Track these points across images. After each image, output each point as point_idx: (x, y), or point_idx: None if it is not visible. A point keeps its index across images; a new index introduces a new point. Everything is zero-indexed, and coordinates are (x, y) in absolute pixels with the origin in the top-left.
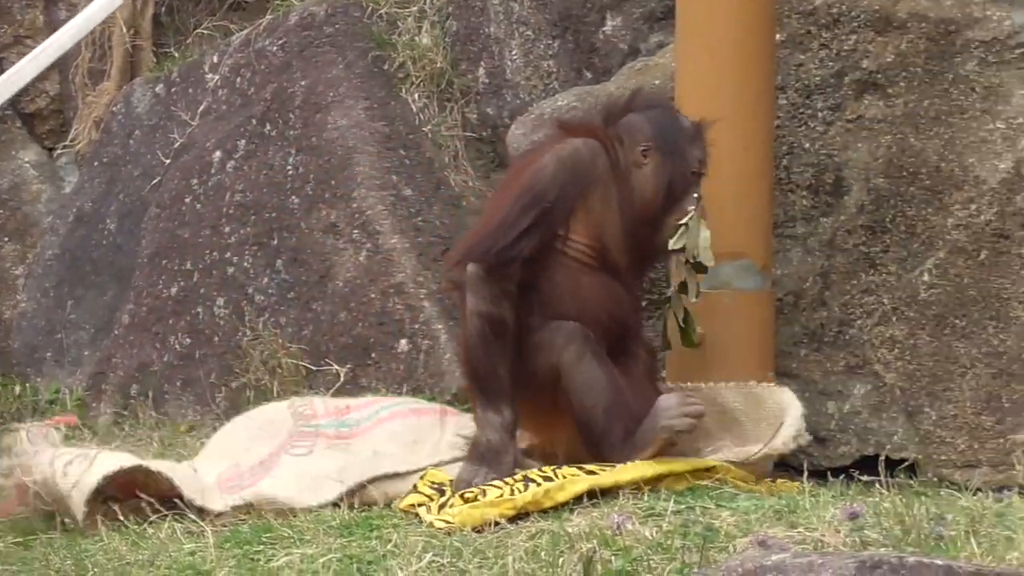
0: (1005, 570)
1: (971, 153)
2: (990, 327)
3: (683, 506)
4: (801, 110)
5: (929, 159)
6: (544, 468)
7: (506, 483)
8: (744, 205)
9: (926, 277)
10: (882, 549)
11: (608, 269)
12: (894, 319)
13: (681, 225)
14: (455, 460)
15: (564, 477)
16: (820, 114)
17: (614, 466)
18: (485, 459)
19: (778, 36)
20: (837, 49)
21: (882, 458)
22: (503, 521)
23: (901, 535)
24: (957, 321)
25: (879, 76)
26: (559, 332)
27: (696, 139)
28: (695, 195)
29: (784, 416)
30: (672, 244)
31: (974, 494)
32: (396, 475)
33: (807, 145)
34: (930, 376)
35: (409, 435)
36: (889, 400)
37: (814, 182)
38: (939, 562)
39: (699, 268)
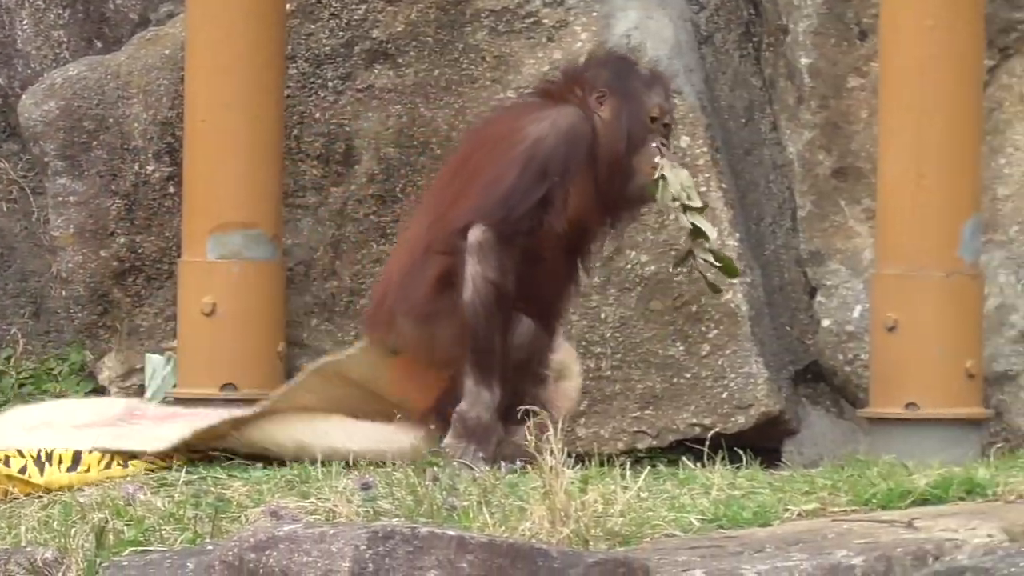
0: (517, 540)
1: None
2: None
3: (196, 476)
4: (312, 80)
5: (440, 128)
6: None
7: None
8: (254, 175)
9: None
10: (395, 520)
11: (572, 245)
12: None
13: (658, 179)
14: None
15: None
16: (330, 84)
17: None
18: (474, 435)
19: (288, 5)
20: (347, 19)
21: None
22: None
23: (414, 506)
24: None
25: (389, 46)
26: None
27: (654, 84)
28: (660, 143)
29: None
30: (659, 200)
31: (488, 465)
32: None
33: (318, 115)
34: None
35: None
36: None
37: (324, 152)
38: (452, 533)
39: (702, 211)
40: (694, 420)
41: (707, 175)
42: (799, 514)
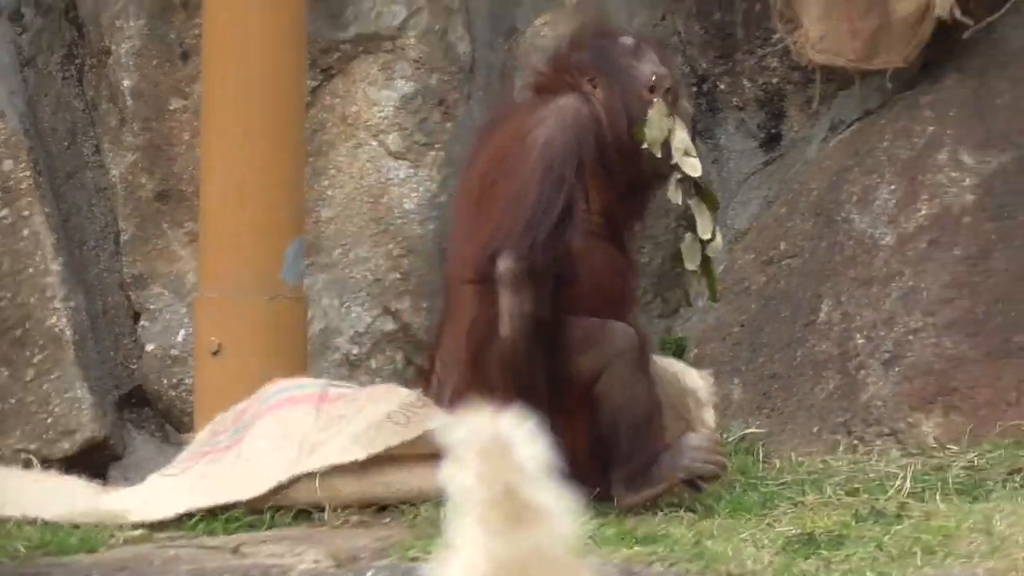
0: None
1: None
2: None
3: None
4: None
5: None
6: None
7: None
8: None
9: None
10: None
11: (614, 235)
12: None
13: (645, 120)
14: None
15: None
16: None
17: None
18: None
19: None
20: None
21: None
22: None
23: None
24: None
25: None
26: (611, 336)
27: (642, 53)
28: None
29: None
30: (648, 145)
31: None
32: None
33: None
34: None
35: (278, 430)
36: None
37: None
38: None
39: (709, 200)
40: (20, 446)
41: (29, 199)
42: (125, 540)
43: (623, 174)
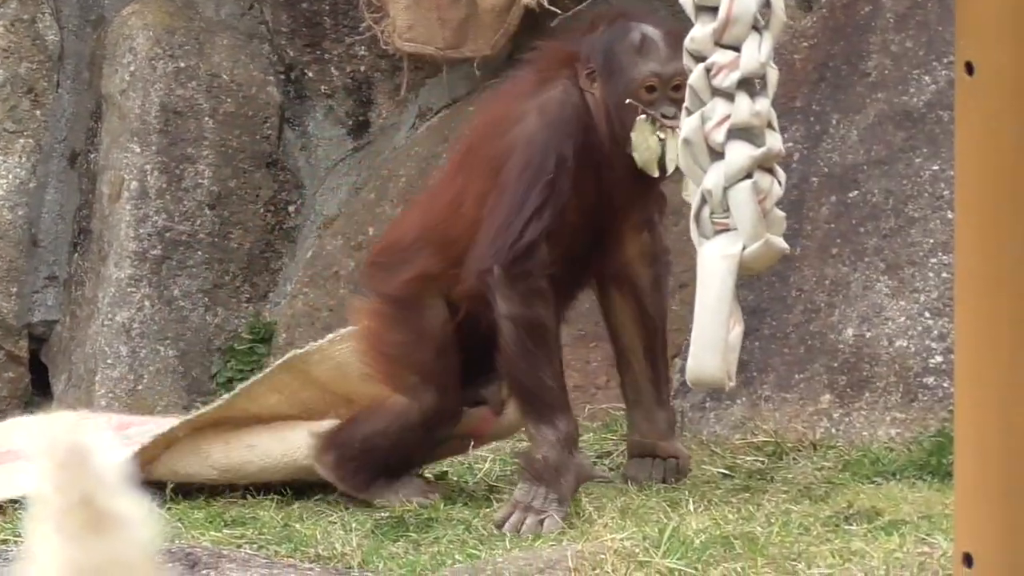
0: None
1: None
2: None
3: None
4: None
5: None
6: None
7: None
8: None
9: None
10: None
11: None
12: None
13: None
14: None
15: None
16: None
17: None
18: (542, 478)
19: None
20: None
21: None
22: None
23: None
24: None
25: None
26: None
27: (647, 51)
28: (661, 113)
29: None
30: (641, 167)
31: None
32: None
33: None
34: None
35: None
36: None
37: None
38: None
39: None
40: None
41: None
42: None
43: (616, 174)
